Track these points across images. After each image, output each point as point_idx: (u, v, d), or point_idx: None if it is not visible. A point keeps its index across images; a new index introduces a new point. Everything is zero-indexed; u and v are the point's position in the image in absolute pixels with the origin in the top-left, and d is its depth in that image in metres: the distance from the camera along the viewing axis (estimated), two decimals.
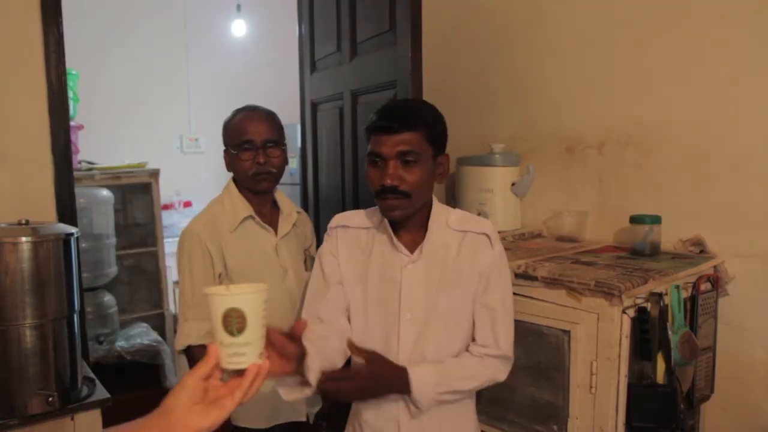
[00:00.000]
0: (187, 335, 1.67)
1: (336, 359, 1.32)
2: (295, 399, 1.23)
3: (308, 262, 1.93)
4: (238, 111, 1.78)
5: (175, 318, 4.07)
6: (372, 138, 1.35)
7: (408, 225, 1.40)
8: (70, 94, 2.70)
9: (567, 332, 1.68)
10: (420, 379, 1.31)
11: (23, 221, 1.75)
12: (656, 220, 1.93)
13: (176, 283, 1.75)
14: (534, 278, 1.75)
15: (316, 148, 2.82)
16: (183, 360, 1.74)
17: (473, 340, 1.41)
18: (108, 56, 4.89)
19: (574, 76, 2.26)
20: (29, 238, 1.63)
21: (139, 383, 3.24)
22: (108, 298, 3.45)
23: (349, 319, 1.44)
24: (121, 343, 3.27)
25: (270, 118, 1.77)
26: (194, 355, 1.68)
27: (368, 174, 1.37)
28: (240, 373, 0.87)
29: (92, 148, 4.07)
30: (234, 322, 0.88)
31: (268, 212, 1.81)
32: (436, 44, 2.53)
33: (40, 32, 2.08)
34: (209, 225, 1.72)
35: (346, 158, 2.44)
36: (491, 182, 2.33)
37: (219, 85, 5.47)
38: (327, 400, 1.94)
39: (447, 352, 1.39)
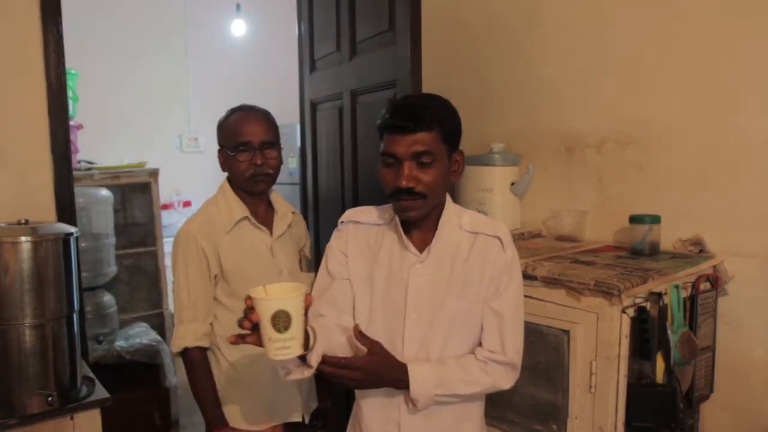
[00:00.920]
0: (183, 337, 1.67)
1: (338, 353, 1.29)
2: (294, 379, 1.22)
3: (303, 262, 1.92)
4: (233, 111, 1.77)
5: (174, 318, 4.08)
6: (385, 137, 1.31)
7: (420, 224, 1.38)
8: (70, 93, 2.70)
9: (566, 332, 1.68)
10: (419, 378, 1.29)
11: (23, 221, 1.75)
12: (656, 219, 1.93)
13: (173, 283, 1.75)
14: (533, 278, 1.75)
15: (316, 147, 2.82)
16: (181, 361, 1.74)
17: (480, 345, 1.38)
18: (107, 56, 4.90)
19: (574, 76, 2.26)
20: (29, 238, 1.63)
21: (139, 383, 3.25)
22: (107, 298, 3.45)
23: (354, 317, 1.43)
24: (120, 343, 3.27)
25: (266, 118, 1.76)
26: (190, 357, 1.68)
27: (382, 174, 1.33)
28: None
29: (92, 148, 4.07)
30: (281, 321, 1.04)
31: (263, 213, 1.80)
32: (435, 44, 2.53)
33: (39, 32, 2.08)
34: (204, 226, 1.71)
35: (345, 158, 2.44)
36: (490, 182, 2.33)
37: (218, 85, 5.47)
38: (322, 395, 1.94)
39: (451, 354, 1.36)
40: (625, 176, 2.12)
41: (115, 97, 4.96)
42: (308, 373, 1.20)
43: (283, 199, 1.89)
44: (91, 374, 1.89)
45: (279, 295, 1.08)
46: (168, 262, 3.83)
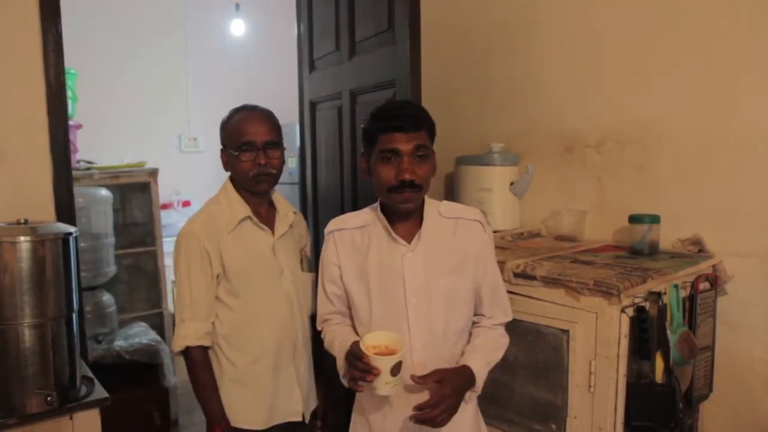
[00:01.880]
0: (185, 336, 1.67)
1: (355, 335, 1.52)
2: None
3: (304, 262, 1.92)
4: (236, 110, 1.77)
5: (173, 317, 4.07)
6: (382, 137, 1.44)
7: (406, 217, 1.51)
8: (69, 93, 2.70)
9: (566, 331, 1.68)
10: (479, 369, 1.46)
11: (22, 220, 1.75)
12: (655, 219, 1.93)
13: (175, 282, 1.75)
14: (533, 278, 1.75)
15: (315, 147, 2.82)
16: (182, 360, 1.74)
17: (479, 314, 1.57)
18: (107, 55, 4.89)
19: (573, 76, 2.26)
20: (28, 238, 1.63)
21: (138, 382, 3.24)
22: (107, 298, 3.44)
23: (351, 316, 1.59)
24: (119, 343, 3.27)
25: (270, 118, 1.76)
26: (192, 356, 1.68)
27: (379, 171, 1.45)
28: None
29: (91, 148, 4.07)
30: (397, 368, 1.32)
31: (265, 212, 1.80)
32: (435, 43, 2.53)
33: (38, 31, 2.08)
34: (207, 225, 1.71)
35: (344, 157, 2.44)
36: (490, 181, 2.33)
37: (218, 85, 5.47)
38: (322, 395, 1.94)
39: (453, 328, 1.51)
40: (624, 176, 2.13)
41: (115, 96, 4.95)
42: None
43: (285, 199, 1.89)
44: (90, 374, 1.89)
45: (382, 341, 1.37)
46: (168, 261, 3.83)
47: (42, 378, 1.65)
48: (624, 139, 2.11)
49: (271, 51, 5.52)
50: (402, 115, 1.43)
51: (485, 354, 1.50)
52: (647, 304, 1.64)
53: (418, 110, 1.49)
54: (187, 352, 1.68)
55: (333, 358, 1.55)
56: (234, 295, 1.71)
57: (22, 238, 1.62)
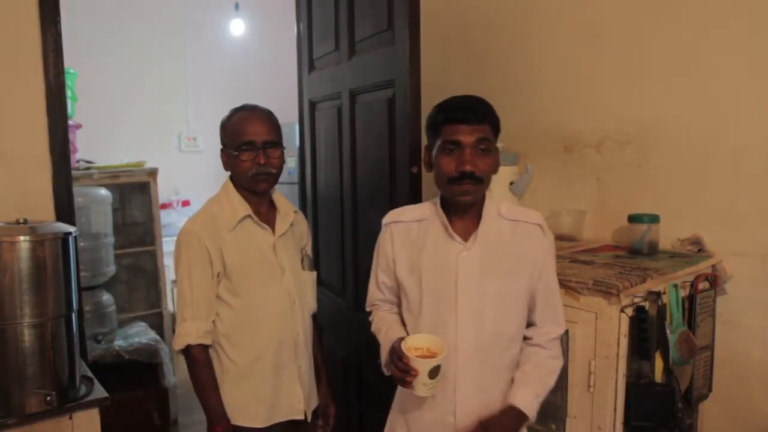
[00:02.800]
0: (186, 335, 1.67)
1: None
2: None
3: (305, 261, 1.92)
4: (236, 110, 1.77)
5: (173, 317, 4.07)
6: (445, 128, 1.45)
7: (464, 214, 1.50)
8: (69, 93, 2.70)
9: (565, 331, 1.68)
10: (527, 403, 1.45)
11: (21, 220, 1.75)
12: (654, 219, 1.93)
13: (175, 282, 1.75)
14: None
15: (315, 147, 2.82)
16: (182, 358, 1.74)
17: (531, 325, 1.53)
18: (106, 55, 4.89)
19: (573, 75, 2.26)
20: (27, 237, 1.63)
21: (138, 382, 3.24)
22: (106, 297, 3.44)
23: (399, 305, 1.60)
24: (119, 342, 3.27)
25: (269, 118, 1.76)
26: (193, 354, 1.68)
27: (440, 162, 1.45)
28: None
29: (90, 147, 4.07)
30: (435, 372, 1.35)
31: (265, 211, 1.81)
32: (434, 43, 2.52)
33: (38, 31, 2.08)
34: (207, 224, 1.71)
35: (344, 157, 2.44)
36: None
37: (217, 84, 5.47)
38: (323, 393, 1.95)
39: (503, 332, 1.49)
40: (624, 176, 2.12)
41: (114, 96, 4.95)
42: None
43: (285, 198, 1.89)
44: (89, 374, 1.89)
45: (425, 344, 1.40)
46: (167, 261, 3.83)
47: (41, 378, 1.65)
48: (623, 139, 2.11)
49: (270, 51, 5.52)
50: (466, 108, 1.44)
51: (535, 384, 1.48)
52: (647, 304, 1.64)
53: (483, 104, 1.48)
54: (188, 351, 1.69)
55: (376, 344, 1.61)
56: (235, 293, 1.72)
57: (22, 238, 1.62)
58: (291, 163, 4.63)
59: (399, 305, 1.61)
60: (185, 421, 3.55)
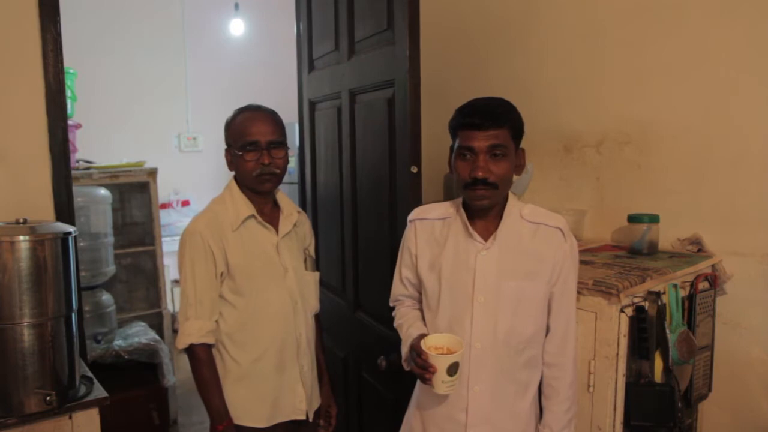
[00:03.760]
0: (189, 334, 1.67)
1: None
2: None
3: (308, 261, 1.93)
4: (241, 110, 1.78)
5: (173, 317, 4.08)
6: (461, 134, 1.47)
7: (484, 215, 1.52)
8: (68, 92, 2.70)
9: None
10: None
11: (21, 220, 1.75)
12: (654, 219, 1.93)
13: (174, 281, 1.75)
14: None
15: (314, 147, 2.82)
16: (181, 358, 1.75)
17: (548, 329, 1.53)
18: (106, 55, 4.90)
19: (572, 75, 2.26)
20: (27, 237, 1.63)
21: (137, 382, 3.25)
22: (106, 297, 3.44)
23: (421, 300, 1.63)
24: (119, 342, 3.27)
25: (274, 118, 1.77)
26: (196, 353, 1.69)
27: (457, 167, 1.48)
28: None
29: (90, 147, 4.07)
30: (453, 369, 1.38)
31: (269, 211, 1.81)
32: (434, 43, 2.53)
33: (38, 31, 2.08)
34: (211, 224, 1.72)
35: (344, 157, 2.44)
36: None
37: (217, 84, 5.48)
38: (326, 394, 1.95)
39: (519, 333, 1.49)
40: (623, 176, 2.13)
41: (114, 96, 4.96)
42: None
43: (289, 198, 1.90)
44: (89, 373, 1.89)
45: (445, 343, 1.44)
46: (167, 261, 3.84)
47: (41, 377, 1.65)
48: (623, 139, 2.11)
49: (270, 51, 5.53)
50: (482, 113, 1.44)
51: (558, 424, 1.51)
52: (646, 304, 1.64)
53: (499, 108, 1.48)
54: (190, 350, 1.69)
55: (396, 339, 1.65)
56: (238, 293, 1.72)
57: (21, 238, 1.62)
58: (291, 163, 4.62)
59: (421, 301, 1.64)
60: (185, 421, 3.54)
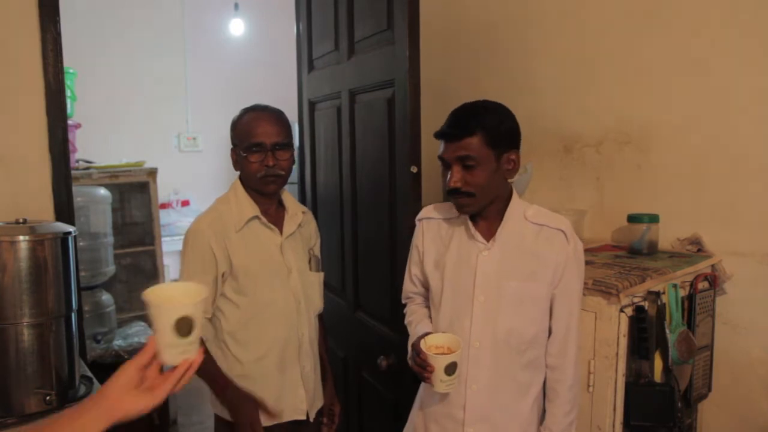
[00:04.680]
0: None
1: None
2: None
3: (313, 261, 1.92)
4: (247, 110, 1.77)
5: None
6: (441, 143, 1.48)
7: (485, 215, 1.53)
8: (68, 92, 2.70)
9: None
10: None
11: (21, 220, 1.75)
12: (654, 218, 1.93)
13: (174, 281, 1.75)
14: None
15: (314, 147, 2.82)
16: None
17: (551, 331, 1.52)
18: (106, 55, 4.89)
19: (572, 75, 2.27)
20: (27, 237, 1.63)
21: None
22: (106, 297, 3.44)
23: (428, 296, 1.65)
24: (118, 342, 3.27)
25: (280, 119, 1.76)
26: None
27: (441, 174, 1.50)
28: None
29: (90, 147, 4.07)
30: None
31: (273, 212, 1.81)
32: (434, 43, 2.53)
33: (37, 31, 2.08)
34: (214, 224, 1.72)
35: (344, 157, 2.44)
36: None
37: (217, 84, 5.47)
38: (328, 393, 1.95)
39: (519, 334, 1.49)
40: (623, 175, 2.13)
41: (114, 96, 4.95)
42: None
43: (294, 198, 1.90)
44: (89, 373, 1.89)
45: (445, 342, 1.44)
46: (167, 261, 3.84)
47: (41, 377, 1.65)
48: (623, 139, 2.12)
49: (270, 51, 5.52)
50: (451, 123, 1.45)
51: (558, 428, 1.50)
52: (646, 304, 1.64)
53: (469, 116, 1.45)
54: None
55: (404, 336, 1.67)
56: (241, 293, 1.72)
57: (21, 238, 1.62)
58: None
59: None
60: (185, 421, 3.54)
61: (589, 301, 1.61)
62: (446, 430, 1.55)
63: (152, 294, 0.97)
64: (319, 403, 1.90)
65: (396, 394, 2.08)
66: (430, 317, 1.64)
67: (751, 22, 1.79)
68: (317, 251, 1.96)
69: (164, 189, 4.57)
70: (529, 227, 1.51)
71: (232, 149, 1.79)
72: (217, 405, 1.77)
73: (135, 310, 3.76)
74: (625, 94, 2.11)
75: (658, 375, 1.68)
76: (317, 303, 1.89)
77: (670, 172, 2.00)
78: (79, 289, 1.87)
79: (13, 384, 1.63)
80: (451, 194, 1.47)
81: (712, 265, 1.87)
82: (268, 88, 4.41)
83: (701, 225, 1.94)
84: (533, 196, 2.37)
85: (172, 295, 1.00)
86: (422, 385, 1.65)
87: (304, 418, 1.81)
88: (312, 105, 2.81)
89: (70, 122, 2.52)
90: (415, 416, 1.67)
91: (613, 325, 1.57)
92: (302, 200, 3.02)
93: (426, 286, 1.66)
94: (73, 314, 1.75)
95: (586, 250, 1.99)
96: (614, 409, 1.60)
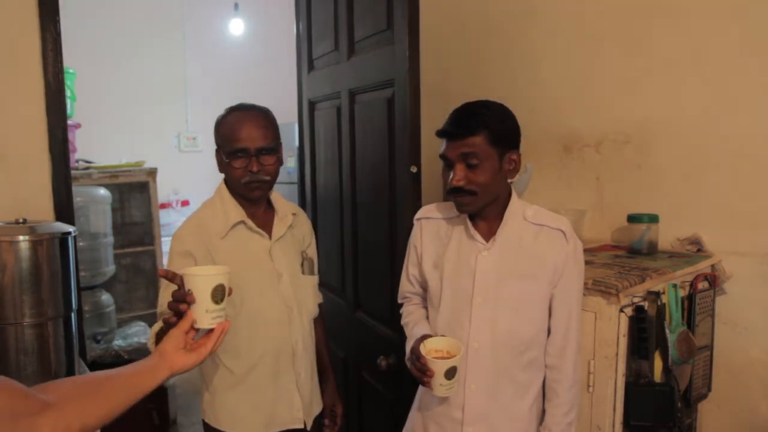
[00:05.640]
0: (152, 335, 1.58)
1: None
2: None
3: (305, 264, 1.82)
4: (231, 110, 1.68)
5: None
6: (442, 141, 1.47)
7: (484, 216, 1.52)
8: (68, 92, 2.70)
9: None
10: None
11: (21, 220, 1.75)
12: (654, 218, 1.93)
13: None
14: None
15: (314, 147, 2.82)
16: None
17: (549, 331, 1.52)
18: (105, 55, 4.90)
19: (572, 75, 2.27)
20: (27, 237, 1.63)
21: None
22: (105, 297, 3.44)
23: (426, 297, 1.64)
24: (118, 342, 3.27)
25: (265, 120, 1.67)
26: None
27: (442, 174, 1.49)
28: (210, 331, 1.19)
29: (90, 147, 4.07)
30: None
31: (261, 214, 1.72)
32: (433, 43, 2.53)
33: (37, 31, 2.08)
34: (196, 231, 1.64)
35: (343, 157, 2.44)
36: None
37: (217, 84, 5.47)
38: (330, 395, 1.93)
39: (519, 334, 1.48)
40: (623, 175, 2.13)
41: (113, 96, 4.96)
42: None
43: (284, 198, 1.82)
44: None
45: (445, 346, 1.44)
46: (166, 261, 3.83)
47: (41, 377, 1.65)
48: (623, 139, 2.12)
49: (269, 50, 5.53)
50: (453, 122, 1.45)
51: (558, 428, 1.50)
52: (646, 304, 1.64)
53: (473, 115, 1.44)
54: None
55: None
56: (229, 302, 1.67)
57: (21, 238, 1.62)
58: (290, 163, 4.63)
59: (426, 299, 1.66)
60: (184, 421, 3.55)
61: (589, 301, 1.61)
62: (445, 430, 1.54)
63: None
64: (317, 410, 1.82)
65: (396, 394, 2.08)
66: (427, 318, 1.63)
67: (751, 22, 1.79)
68: (311, 253, 1.87)
69: (164, 189, 4.58)
70: (528, 227, 1.50)
71: (216, 150, 1.70)
72: (207, 413, 1.71)
73: (135, 310, 3.76)
74: (625, 94, 2.11)
75: (658, 375, 1.68)
76: (311, 308, 1.79)
77: (670, 172, 2.00)
78: (79, 289, 1.87)
79: None
80: (453, 193, 1.46)
81: (712, 265, 1.87)
82: (267, 88, 4.42)
83: (701, 225, 1.94)
84: (533, 196, 2.36)
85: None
86: (420, 387, 1.64)
87: (300, 426, 1.74)
88: (312, 105, 2.81)
89: (70, 122, 2.52)
90: (413, 416, 1.67)
91: (612, 325, 1.57)
92: (302, 200, 3.02)
93: (423, 286, 1.65)
94: (72, 314, 1.75)
95: (586, 250, 1.99)
96: (614, 409, 1.60)
